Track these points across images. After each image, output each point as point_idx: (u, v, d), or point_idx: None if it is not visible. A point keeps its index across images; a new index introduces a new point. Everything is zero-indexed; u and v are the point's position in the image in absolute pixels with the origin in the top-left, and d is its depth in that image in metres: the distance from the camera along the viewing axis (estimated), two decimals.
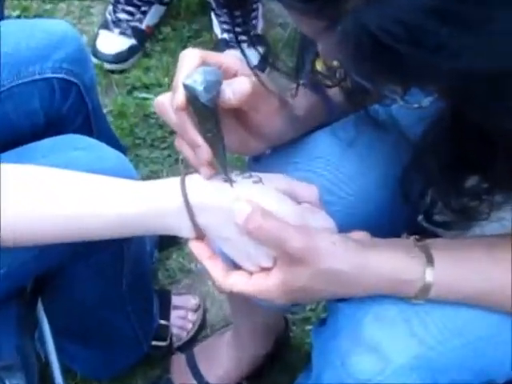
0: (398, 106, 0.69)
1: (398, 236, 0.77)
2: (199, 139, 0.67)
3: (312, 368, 0.75)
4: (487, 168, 0.66)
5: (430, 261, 0.68)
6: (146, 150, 1.56)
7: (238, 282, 0.68)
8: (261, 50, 1.50)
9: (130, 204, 0.69)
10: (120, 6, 1.71)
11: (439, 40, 0.48)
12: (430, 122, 0.68)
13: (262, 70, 0.79)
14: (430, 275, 0.67)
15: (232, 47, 1.62)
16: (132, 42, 1.70)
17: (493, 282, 0.68)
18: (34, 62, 0.95)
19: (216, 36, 1.70)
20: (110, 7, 1.73)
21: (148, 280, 1.14)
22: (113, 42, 1.70)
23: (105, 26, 1.72)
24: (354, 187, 0.82)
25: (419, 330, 0.69)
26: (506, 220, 0.74)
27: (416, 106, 0.66)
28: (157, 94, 0.72)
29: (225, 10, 1.64)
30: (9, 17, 1.70)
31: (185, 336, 1.30)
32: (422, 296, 0.68)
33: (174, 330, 1.28)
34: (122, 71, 1.68)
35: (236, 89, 0.67)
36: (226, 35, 1.67)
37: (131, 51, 1.70)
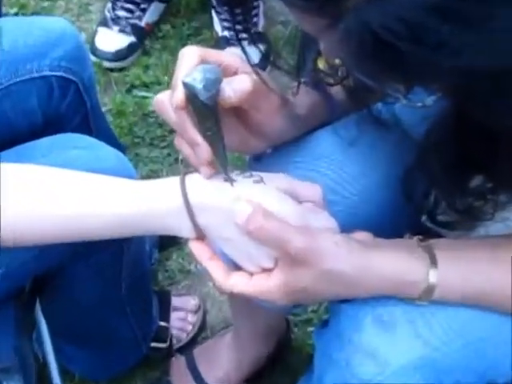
0: (401, 105, 0.69)
1: (401, 236, 0.77)
2: (199, 138, 0.66)
3: (314, 370, 0.75)
4: (491, 167, 0.66)
5: (433, 262, 0.67)
6: (146, 149, 1.55)
7: (238, 283, 0.68)
8: (262, 47, 1.49)
9: (129, 204, 0.69)
10: (119, 4, 1.70)
11: (440, 38, 0.48)
12: (433, 121, 0.67)
13: (263, 68, 0.79)
14: (433, 276, 0.67)
15: (233, 45, 1.62)
16: (131, 39, 1.69)
17: (493, 282, 0.68)
18: (32, 59, 0.95)
19: (216, 34, 1.70)
20: (109, 4, 1.72)
21: (147, 281, 1.14)
22: (112, 40, 1.69)
23: (104, 23, 1.71)
24: (358, 187, 0.82)
25: (424, 331, 0.68)
26: (510, 220, 0.74)
27: (419, 104, 0.66)
28: (156, 93, 0.72)
29: (225, 8, 1.63)
30: (6, 14, 1.69)
31: (185, 338, 1.29)
32: (426, 297, 0.68)
33: (174, 332, 1.27)
34: (121, 69, 1.68)
35: (236, 87, 0.67)
36: (226, 33, 1.66)
37: (130, 49, 1.69)
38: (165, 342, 1.25)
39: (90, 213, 0.69)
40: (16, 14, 1.75)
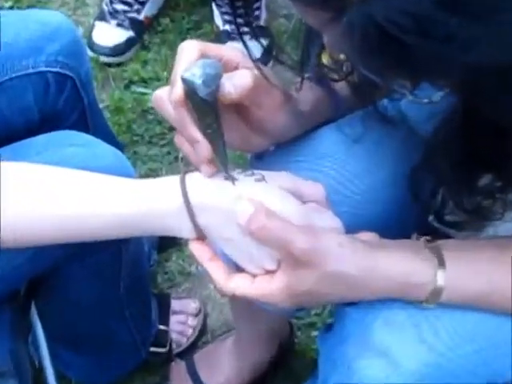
0: (408, 101, 0.68)
1: (408, 237, 0.76)
2: (198, 135, 0.66)
3: (318, 375, 0.74)
4: (500, 166, 0.65)
5: (441, 263, 0.67)
6: (145, 147, 1.54)
7: (240, 285, 0.67)
8: (264, 42, 1.49)
9: (129, 204, 0.68)
10: None
11: (449, 31, 0.48)
12: (441, 119, 0.67)
13: (265, 63, 0.77)
14: (441, 278, 0.66)
15: (234, 39, 1.61)
16: (129, 34, 1.68)
17: (503, 284, 0.67)
18: (28, 55, 0.94)
19: (217, 27, 1.69)
20: None
21: (146, 283, 1.13)
22: (109, 34, 1.67)
23: (101, 17, 1.70)
24: (361, 186, 0.82)
25: (428, 336, 0.68)
26: None
27: (426, 100, 0.66)
28: (155, 89, 0.71)
29: (226, 1, 1.62)
30: (1, 8, 1.69)
31: (185, 342, 1.28)
32: (433, 300, 0.67)
33: (174, 336, 1.27)
34: (118, 64, 1.66)
35: (237, 82, 0.66)
36: (227, 27, 1.65)
37: (129, 43, 1.68)
38: (164, 346, 1.24)
39: (90, 213, 0.69)
40: (11, 8, 1.73)
